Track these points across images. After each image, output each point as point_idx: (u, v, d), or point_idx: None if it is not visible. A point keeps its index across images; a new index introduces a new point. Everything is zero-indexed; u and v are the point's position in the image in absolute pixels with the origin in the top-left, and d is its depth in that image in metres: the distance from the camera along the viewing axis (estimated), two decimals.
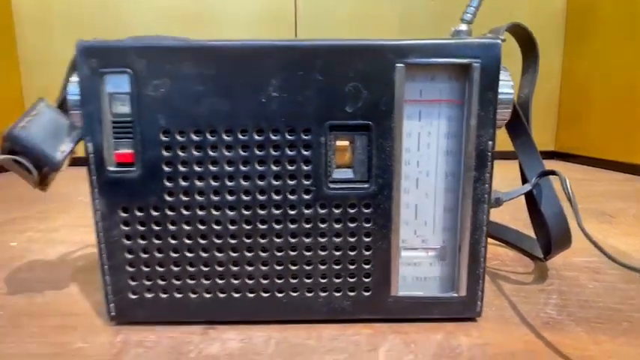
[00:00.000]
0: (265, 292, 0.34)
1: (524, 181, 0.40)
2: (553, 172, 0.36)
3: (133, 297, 0.34)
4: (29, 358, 0.31)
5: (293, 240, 0.33)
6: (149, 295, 0.34)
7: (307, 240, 0.33)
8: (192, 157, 0.32)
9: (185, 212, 0.33)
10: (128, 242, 0.33)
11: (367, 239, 0.33)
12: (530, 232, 0.46)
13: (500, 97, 0.31)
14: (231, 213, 0.33)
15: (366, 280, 0.34)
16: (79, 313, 0.38)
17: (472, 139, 0.31)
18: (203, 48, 0.30)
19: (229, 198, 0.32)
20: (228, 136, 0.31)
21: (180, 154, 0.32)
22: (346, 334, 0.34)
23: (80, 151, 0.33)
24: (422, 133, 0.33)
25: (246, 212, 0.33)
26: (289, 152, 0.32)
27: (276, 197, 0.32)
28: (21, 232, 0.62)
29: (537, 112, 0.47)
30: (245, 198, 0.32)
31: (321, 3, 1.39)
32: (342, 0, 1.39)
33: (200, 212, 0.33)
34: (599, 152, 1.27)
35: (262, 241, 0.33)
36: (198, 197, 0.32)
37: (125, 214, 0.32)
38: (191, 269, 0.34)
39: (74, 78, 0.31)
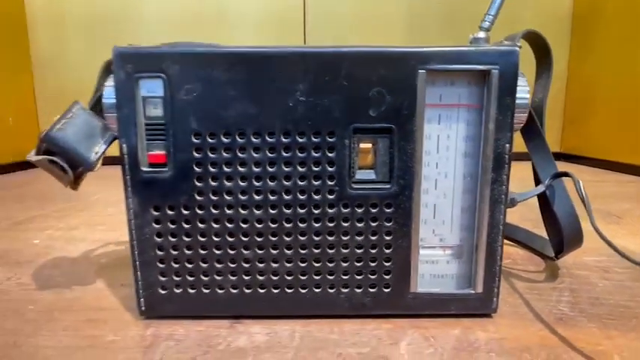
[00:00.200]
0: (289, 288, 0.36)
1: (537, 182, 0.41)
2: (566, 174, 0.38)
3: (163, 292, 0.36)
4: (65, 350, 0.33)
5: (317, 238, 0.35)
6: (178, 291, 0.35)
7: (330, 238, 0.35)
8: (221, 159, 0.33)
9: (214, 211, 0.34)
10: (159, 240, 0.34)
11: (388, 238, 0.35)
12: (540, 232, 0.48)
13: (517, 102, 0.32)
14: (258, 212, 0.34)
15: (387, 277, 0.35)
16: (108, 308, 0.39)
17: (490, 142, 0.33)
18: (234, 54, 0.32)
19: (256, 198, 0.34)
20: (256, 139, 0.33)
21: (211, 155, 0.33)
22: (367, 328, 0.35)
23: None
24: (441, 136, 0.34)
25: (272, 211, 0.34)
26: (314, 154, 0.33)
27: (301, 197, 0.34)
28: (41, 230, 0.64)
29: None
30: (271, 198, 0.34)
31: (330, 2, 1.41)
32: (350, 0, 1.41)
33: (228, 211, 0.34)
34: (604, 154, 1.28)
35: (287, 239, 0.35)
36: (226, 197, 0.34)
37: (157, 213, 0.34)
38: (219, 266, 0.35)
39: (109, 82, 0.33)
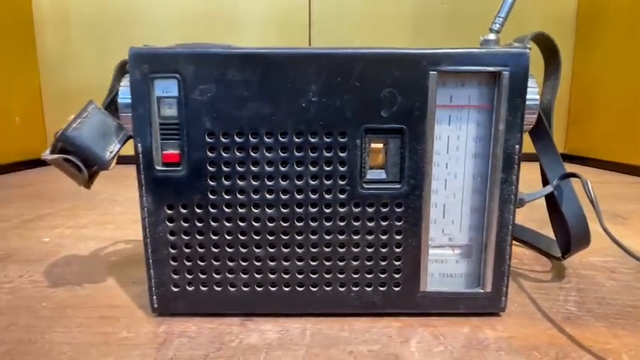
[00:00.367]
0: (300, 286, 0.36)
1: (545, 182, 0.42)
2: (575, 175, 0.38)
3: (175, 290, 0.36)
4: (79, 347, 0.33)
5: (328, 237, 0.35)
6: (190, 288, 0.36)
7: (341, 237, 0.35)
8: (234, 158, 0.34)
9: (226, 210, 0.34)
10: (172, 238, 0.35)
11: (398, 237, 0.35)
12: (545, 232, 0.48)
13: (527, 103, 0.33)
14: (270, 211, 0.35)
15: (396, 275, 0.36)
16: (120, 305, 0.39)
17: (500, 142, 0.33)
18: (248, 55, 0.32)
19: (268, 197, 0.34)
20: (268, 138, 0.33)
21: (224, 154, 0.34)
22: (377, 326, 0.35)
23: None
24: (451, 137, 0.34)
25: (284, 210, 0.34)
26: (326, 154, 0.34)
27: (312, 196, 0.34)
28: (51, 229, 0.65)
29: None
30: (283, 197, 0.34)
31: (335, 2, 1.41)
32: (355, 1, 1.41)
33: (240, 210, 0.34)
34: (608, 155, 1.28)
35: (298, 237, 0.35)
36: (239, 196, 0.34)
37: (170, 211, 0.34)
38: (230, 264, 0.35)
39: (124, 82, 0.33)
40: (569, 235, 0.41)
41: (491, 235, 0.35)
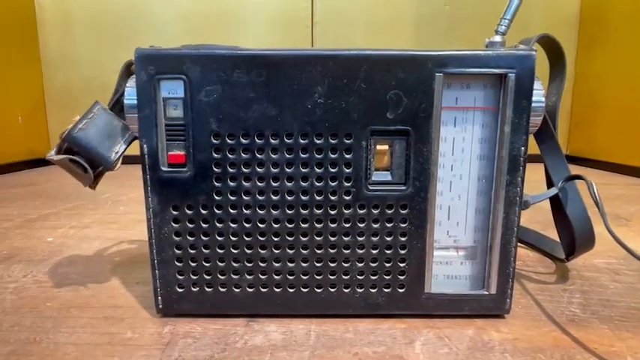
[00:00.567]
0: (305, 287, 0.36)
1: (550, 184, 0.42)
2: (579, 177, 0.38)
3: (180, 290, 0.36)
4: (84, 347, 0.33)
5: (333, 239, 0.35)
6: (195, 289, 0.36)
7: (346, 239, 0.35)
8: (240, 159, 0.34)
9: (232, 211, 0.34)
10: (177, 239, 0.35)
11: (403, 239, 0.35)
12: (549, 234, 0.48)
13: (532, 105, 0.33)
14: (275, 212, 0.35)
15: (401, 277, 0.36)
16: (125, 306, 0.40)
17: (506, 144, 0.33)
18: (254, 56, 0.32)
19: (274, 198, 0.34)
20: (274, 140, 0.33)
21: (229, 156, 0.34)
22: (382, 328, 0.35)
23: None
24: (457, 139, 0.34)
25: (289, 212, 0.35)
26: (332, 155, 0.34)
27: (318, 198, 0.34)
28: (55, 229, 0.65)
29: None
30: (288, 198, 0.34)
31: (338, 3, 1.41)
32: (357, 1, 1.41)
33: (246, 211, 0.35)
34: (611, 157, 1.28)
35: (303, 239, 0.35)
36: (244, 197, 0.34)
37: (175, 212, 0.34)
38: (235, 265, 0.36)
39: (130, 83, 0.33)
40: (574, 237, 0.41)
41: (496, 237, 0.35)
